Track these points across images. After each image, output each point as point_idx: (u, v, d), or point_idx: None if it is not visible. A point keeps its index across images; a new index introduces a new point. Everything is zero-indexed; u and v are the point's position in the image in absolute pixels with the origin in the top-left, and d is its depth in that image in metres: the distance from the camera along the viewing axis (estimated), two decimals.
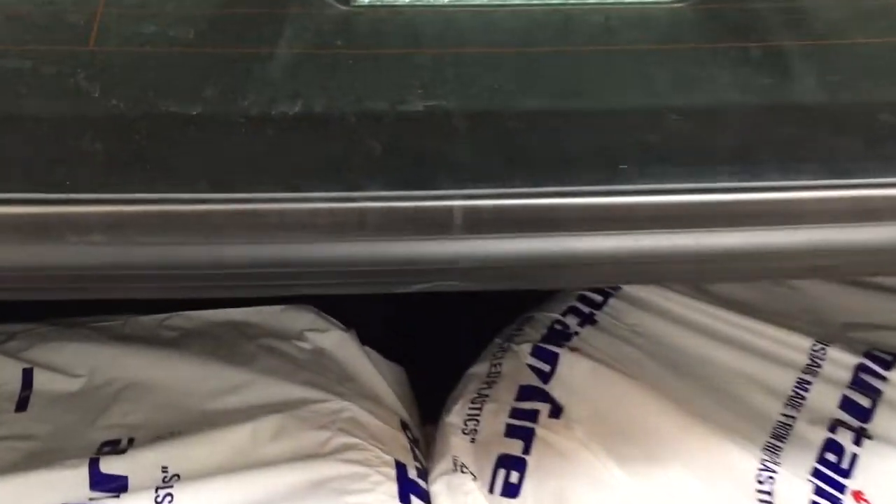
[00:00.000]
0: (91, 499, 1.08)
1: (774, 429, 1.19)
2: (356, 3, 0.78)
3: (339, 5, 0.77)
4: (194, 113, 0.72)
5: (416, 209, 0.69)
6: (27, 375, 1.25)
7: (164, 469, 1.11)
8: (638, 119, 0.72)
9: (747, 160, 0.69)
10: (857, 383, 1.23)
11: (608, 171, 0.68)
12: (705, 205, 0.67)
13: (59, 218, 0.68)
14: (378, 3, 0.78)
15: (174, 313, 1.38)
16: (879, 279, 1.45)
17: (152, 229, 0.68)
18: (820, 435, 1.17)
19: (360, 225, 0.68)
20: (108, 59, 0.75)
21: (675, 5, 0.81)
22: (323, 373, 1.28)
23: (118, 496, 1.08)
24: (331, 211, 0.69)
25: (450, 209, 0.68)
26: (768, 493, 1.10)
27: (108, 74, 0.74)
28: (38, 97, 0.74)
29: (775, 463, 1.13)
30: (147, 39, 0.76)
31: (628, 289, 1.39)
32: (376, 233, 0.68)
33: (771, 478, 1.11)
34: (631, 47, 0.76)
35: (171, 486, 1.09)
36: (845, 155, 0.70)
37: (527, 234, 0.68)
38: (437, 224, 0.68)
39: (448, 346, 1.36)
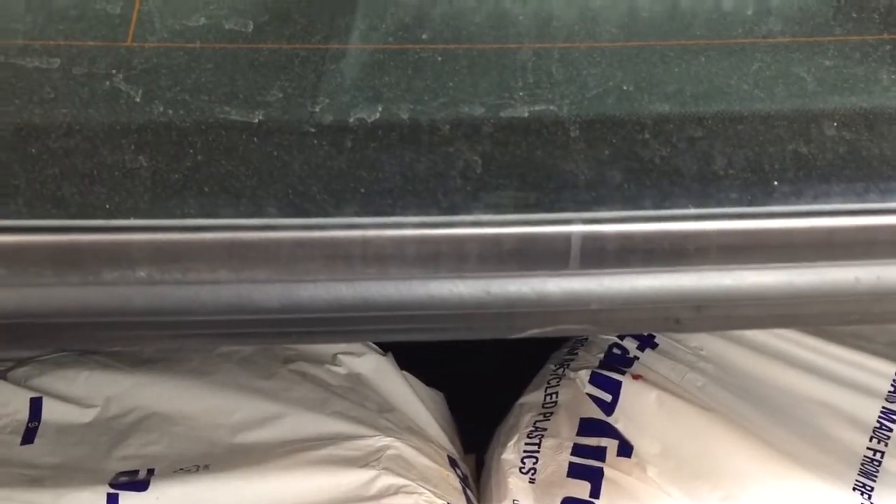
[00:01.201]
0: None
1: (862, 465, 1.11)
2: None
3: None
4: (256, 121, 0.62)
5: (524, 237, 0.57)
6: (35, 405, 1.16)
7: None
8: (783, 126, 0.61)
9: None
10: None
11: (755, 189, 0.57)
12: (881, 229, 0.56)
13: (95, 249, 0.58)
14: None
15: None
16: None
17: (208, 263, 0.57)
18: None
19: (458, 257, 0.57)
20: (151, 58, 0.64)
21: None
22: (362, 403, 1.20)
23: None
24: (421, 239, 0.58)
25: (566, 236, 0.57)
26: None
27: (152, 76, 0.64)
28: (66, 102, 0.64)
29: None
30: (197, 34, 0.66)
31: None
32: (477, 267, 0.57)
33: None
34: (766, 40, 0.65)
35: None
36: None
37: (660, 268, 0.56)
38: (551, 255, 0.57)
39: (485, 368, 1.30)
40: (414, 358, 1.30)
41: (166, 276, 0.55)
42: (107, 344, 0.57)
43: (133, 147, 0.60)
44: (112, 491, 1.05)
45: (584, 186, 0.58)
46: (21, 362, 1.21)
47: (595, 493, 1.08)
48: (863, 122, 0.62)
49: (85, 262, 0.56)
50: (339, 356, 1.23)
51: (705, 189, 0.58)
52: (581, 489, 1.08)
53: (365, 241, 0.57)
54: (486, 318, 0.59)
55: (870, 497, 1.07)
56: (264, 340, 0.57)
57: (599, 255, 0.57)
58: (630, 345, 1.24)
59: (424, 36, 0.66)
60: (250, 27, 0.66)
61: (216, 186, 0.58)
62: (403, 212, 0.58)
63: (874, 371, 1.20)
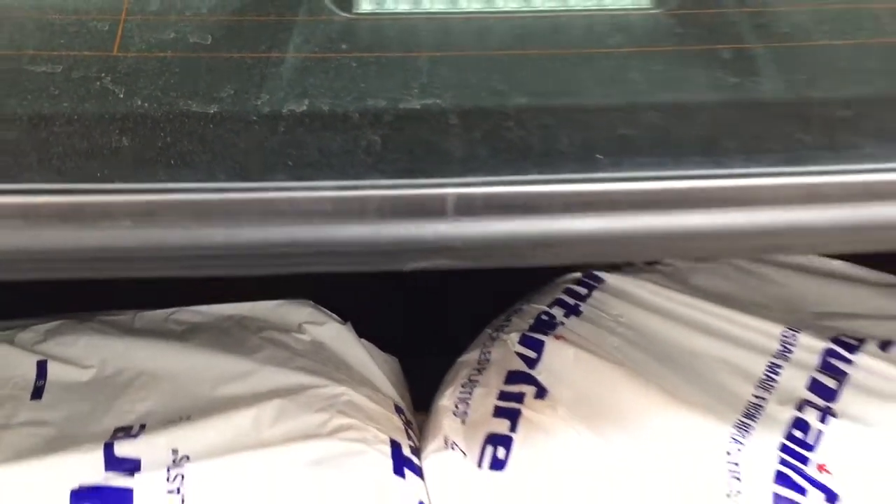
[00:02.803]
0: (106, 479, 1.12)
1: (746, 408, 1.23)
2: (358, 12, 0.86)
3: (342, 13, 0.85)
4: (212, 111, 0.78)
5: (412, 196, 0.75)
6: (41, 366, 1.29)
7: (175, 451, 1.15)
8: (615, 114, 0.79)
9: (713, 151, 0.77)
10: (824, 366, 1.28)
11: (586, 161, 0.76)
12: (673, 190, 0.74)
13: (91, 205, 0.74)
14: (378, 11, 0.86)
15: (180, 308, 1.44)
16: (849, 271, 1.53)
17: (175, 215, 0.74)
18: (788, 414, 1.21)
19: (362, 211, 0.74)
20: (132, 64, 0.81)
21: (652, 11, 0.89)
22: (322, 362, 1.33)
23: (132, 475, 1.12)
24: (335, 198, 0.75)
25: (443, 196, 0.75)
26: (736, 464, 1.15)
27: (133, 77, 0.80)
28: (69, 98, 0.79)
29: (744, 437, 1.17)
30: (168, 45, 0.83)
31: (612, 282, 1.45)
32: (376, 218, 0.74)
33: (739, 450, 1.15)
34: (611, 50, 0.83)
35: (182, 467, 1.13)
36: (801, 146, 0.78)
37: (512, 217, 0.75)
38: (432, 209, 0.75)
39: (441, 340, 1.42)
40: (378, 330, 1.43)
41: (144, 225, 0.73)
42: (100, 272, 0.73)
43: (118, 131, 0.75)
44: (108, 440, 1.16)
45: (458, 159, 0.77)
46: (24, 329, 1.35)
47: (513, 428, 1.20)
48: (674, 111, 0.80)
49: (83, 215, 0.73)
50: (304, 325, 1.40)
51: (549, 161, 0.76)
52: (502, 426, 1.19)
53: (292, 200, 0.75)
54: (381, 254, 0.77)
55: (748, 431, 1.19)
56: (215, 270, 0.74)
57: (468, 209, 0.75)
58: (558, 312, 1.38)
59: (344, 46, 0.84)
60: (209, 40, 0.83)
61: (181, 160, 0.75)
62: (321, 178, 0.75)
63: (765, 332, 1.33)
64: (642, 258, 0.75)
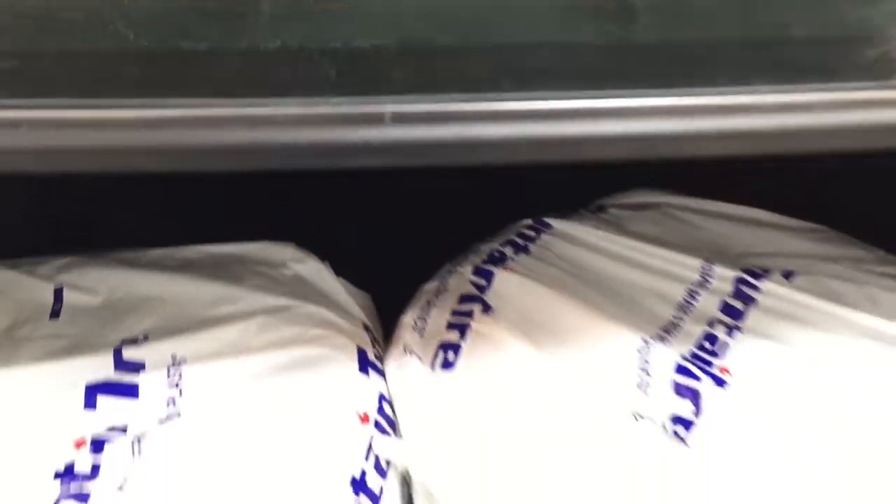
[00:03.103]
0: (116, 377, 1.28)
1: (664, 325, 1.39)
2: None
3: None
4: (203, 49, 0.94)
5: (359, 111, 0.95)
6: (58, 293, 1.44)
7: (174, 356, 1.31)
8: (518, 51, 1.01)
9: (593, 77, 0.99)
10: (735, 292, 1.44)
11: (494, 84, 0.97)
12: (562, 107, 0.96)
13: (106, 117, 0.93)
14: None
15: (179, 247, 1.64)
16: (767, 217, 1.74)
17: (175, 125, 0.93)
18: (700, 329, 1.38)
19: (320, 120, 0.94)
20: (140, 12, 0.98)
21: None
22: (301, 290, 1.48)
23: (137, 373, 1.28)
24: (300, 112, 0.94)
25: (382, 110, 0.95)
26: (647, 361, 1.33)
27: (140, 22, 0.97)
28: (88, 38, 0.97)
29: (658, 342, 1.35)
30: None
31: (559, 227, 1.65)
32: (332, 125, 0.94)
33: (650, 350, 1.33)
34: (520, 3, 1.05)
35: (180, 367, 1.29)
36: (664, 75, 0.99)
37: (435, 125, 0.94)
38: (373, 120, 0.94)
39: (412, 280, 1.60)
40: (354, 270, 1.63)
41: (148, 129, 0.94)
42: (113, 166, 0.92)
43: (130, 63, 0.95)
44: (117, 347, 1.32)
45: (396, 82, 0.98)
46: (41, 264, 1.53)
47: (462, 337, 1.38)
48: (565, 49, 1.01)
49: (102, 125, 0.94)
50: (288, 262, 1.54)
51: (466, 83, 0.98)
52: (453, 336, 1.36)
53: (268, 115, 0.95)
54: (334, 152, 0.97)
55: (662, 340, 1.38)
56: (204, 166, 0.93)
57: (401, 119, 0.95)
58: (508, 250, 1.57)
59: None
60: None
61: (178, 84, 0.96)
62: (288, 96, 0.96)
63: (686, 265, 1.53)
64: (536, 160, 0.92)
